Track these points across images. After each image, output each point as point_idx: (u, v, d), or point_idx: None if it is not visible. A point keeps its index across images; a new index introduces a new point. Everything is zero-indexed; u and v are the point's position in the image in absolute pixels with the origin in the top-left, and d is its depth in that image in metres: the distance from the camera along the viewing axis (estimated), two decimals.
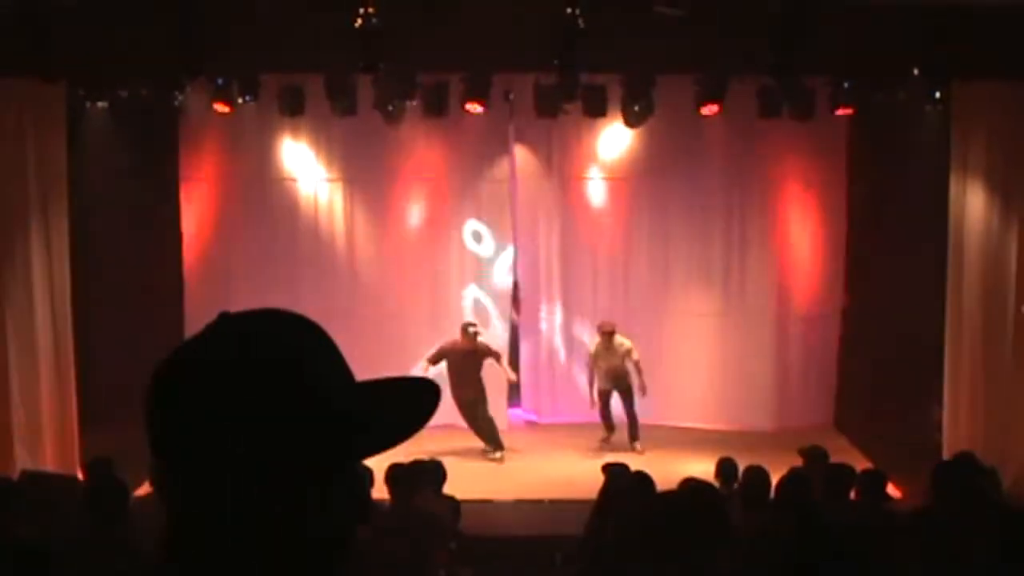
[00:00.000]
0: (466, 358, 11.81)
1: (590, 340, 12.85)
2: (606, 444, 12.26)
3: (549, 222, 13.41)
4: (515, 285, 13.52)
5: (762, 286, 13.36)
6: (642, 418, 12.32)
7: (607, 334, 12.12)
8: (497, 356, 12.05)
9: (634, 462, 8.82)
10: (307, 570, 1.25)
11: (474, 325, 12.05)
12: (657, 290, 13.48)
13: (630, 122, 12.04)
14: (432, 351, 11.97)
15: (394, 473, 7.37)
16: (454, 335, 12.36)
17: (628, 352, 12.15)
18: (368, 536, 6.48)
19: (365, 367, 1.39)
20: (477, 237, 13.33)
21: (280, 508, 1.23)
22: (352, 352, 1.41)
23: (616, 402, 12.33)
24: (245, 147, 12.99)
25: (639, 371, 12.14)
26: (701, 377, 13.38)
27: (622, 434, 12.35)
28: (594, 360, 12.24)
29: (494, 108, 11.65)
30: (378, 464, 5.72)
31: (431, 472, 8.05)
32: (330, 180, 13.24)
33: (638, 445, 12.16)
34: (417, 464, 7.81)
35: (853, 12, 10.02)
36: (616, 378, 12.19)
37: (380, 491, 7.20)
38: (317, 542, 1.26)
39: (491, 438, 12.02)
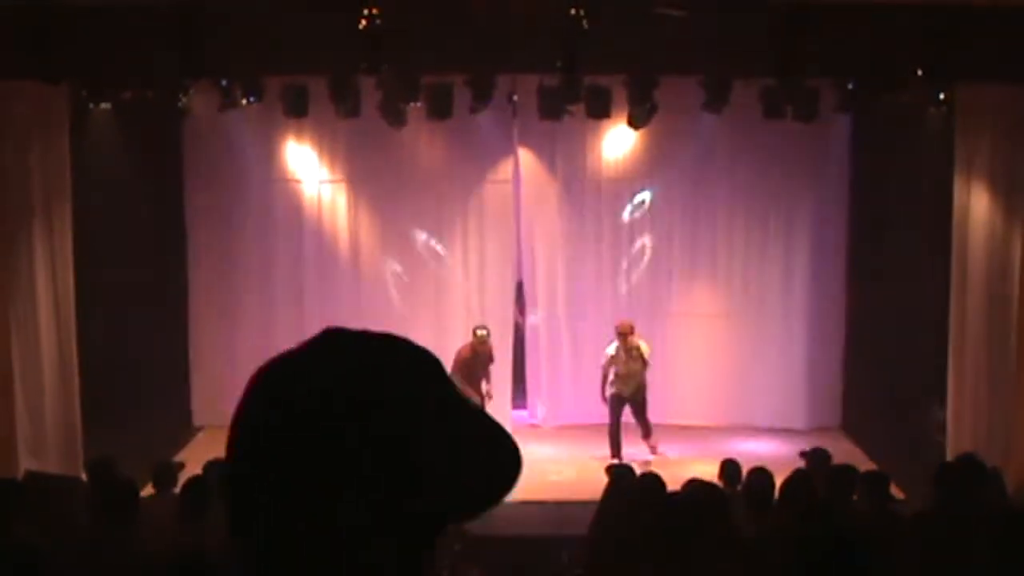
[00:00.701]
0: (475, 361, 11.85)
1: (591, 338, 12.84)
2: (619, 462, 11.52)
3: (552, 224, 13.40)
4: (519, 286, 13.51)
5: (766, 287, 13.35)
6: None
7: (623, 335, 11.85)
8: (491, 361, 12.18)
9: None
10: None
11: (484, 328, 12.04)
12: (661, 291, 13.48)
13: (634, 123, 12.04)
14: (452, 368, 11.88)
15: None
16: (456, 335, 12.35)
17: (643, 357, 11.89)
18: None
19: None
20: (479, 238, 13.33)
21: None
22: None
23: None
24: (249, 148, 13.00)
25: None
26: (705, 378, 13.36)
27: (632, 441, 12.22)
28: (611, 362, 11.94)
29: (498, 110, 11.65)
30: None
31: None
32: (333, 181, 13.25)
33: (654, 448, 12.04)
34: None
35: (856, 13, 10.02)
36: (633, 387, 11.88)
37: None
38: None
39: None
